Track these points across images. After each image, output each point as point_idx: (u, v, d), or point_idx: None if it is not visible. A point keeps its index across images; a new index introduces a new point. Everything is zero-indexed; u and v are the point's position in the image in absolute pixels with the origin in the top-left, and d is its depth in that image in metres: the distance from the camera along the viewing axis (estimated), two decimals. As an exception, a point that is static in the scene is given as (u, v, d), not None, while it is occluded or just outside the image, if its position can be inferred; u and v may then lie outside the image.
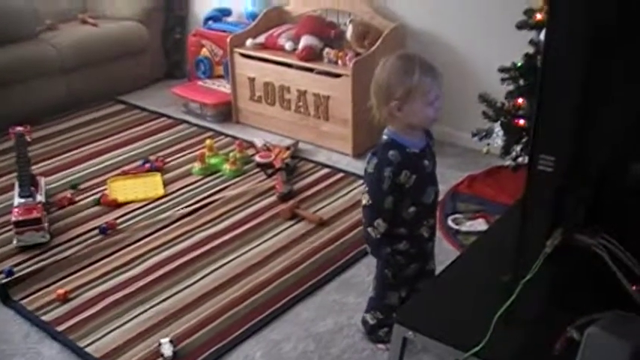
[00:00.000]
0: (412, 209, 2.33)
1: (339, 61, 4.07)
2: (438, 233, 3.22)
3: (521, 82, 3.29)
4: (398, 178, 2.25)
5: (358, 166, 3.90)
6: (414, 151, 2.28)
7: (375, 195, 2.27)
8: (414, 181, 2.27)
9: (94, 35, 4.98)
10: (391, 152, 2.25)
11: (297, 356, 2.57)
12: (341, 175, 3.83)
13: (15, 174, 3.53)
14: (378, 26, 4.14)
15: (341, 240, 3.22)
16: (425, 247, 2.46)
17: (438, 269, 2.22)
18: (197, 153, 4.03)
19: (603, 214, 1.61)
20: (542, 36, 3.08)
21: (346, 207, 3.50)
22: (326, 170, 3.89)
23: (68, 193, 3.72)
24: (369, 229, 2.32)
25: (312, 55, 4.18)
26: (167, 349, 2.56)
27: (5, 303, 2.92)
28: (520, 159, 3.34)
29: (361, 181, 3.71)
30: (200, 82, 4.94)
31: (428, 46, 4.09)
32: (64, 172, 3.99)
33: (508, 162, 3.43)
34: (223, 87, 4.76)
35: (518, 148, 3.34)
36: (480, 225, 3.28)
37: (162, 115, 4.77)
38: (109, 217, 3.47)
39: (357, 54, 4.03)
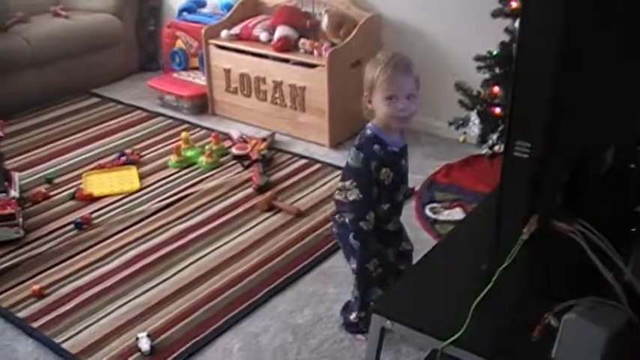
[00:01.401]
0: (387, 206, 2.36)
1: (315, 52, 4.05)
2: (416, 223, 3.25)
3: (497, 70, 3.30)
4: (379, 174, 2.28)
5: (335, 157, 3.90)
6: (394, 150, 2.30)
7: (365, 188, 2.28)
8: (391, 180, 2.30)
9: (66, 28, 4.91)
10: (375, 147, 2.27)
11: (276, 348, 2.56)
12: (318, 165, 3.82)
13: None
14: (353, 16, 4.12)
15: (319, 231, 3.21)
16: (391, 239, 2.49)
17: (416, 259, 2.21)
18: (173, 146, 4.00)
19: (580, 201, 1.61)
20: (517, 24, 3.08)
21: (324, 197, 3.48)
22: (303, 161, 3.88)
23: (42, 188, 3.67)
24: (362, 223, 2.33)
25: (288, 45, 4.16)
26: (144, 344, 2.54)
27: (-19, 302, 2.89)
28: (496, 147, 3.35)
29: (339, 172, 3.70)
30: (175, 74, 4.90)
31: (404, 36, 4.09)
32: (38, 167, 3.94)
33: (485, 150, 3.44)
34: (199, 79, 4.73)
35: (494, 136, 3.35)
36: (458, 214, 3.29)
37: (138, 107, 4.73)
38: (85, 212, 3.44)
39: (333, 44, 4.01)
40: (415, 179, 3.61)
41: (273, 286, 2.86)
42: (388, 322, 1.71)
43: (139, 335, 2.59)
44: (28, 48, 4.64)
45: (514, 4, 3.13)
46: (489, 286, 1.58)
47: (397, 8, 4.09)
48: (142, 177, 3.77)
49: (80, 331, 2.67)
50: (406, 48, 4.08)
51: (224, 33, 4.43)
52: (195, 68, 4.86)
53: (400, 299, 1.80)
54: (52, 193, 3.64)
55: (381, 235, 2.40)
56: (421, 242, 3.08)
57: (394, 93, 2.24)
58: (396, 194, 2.38)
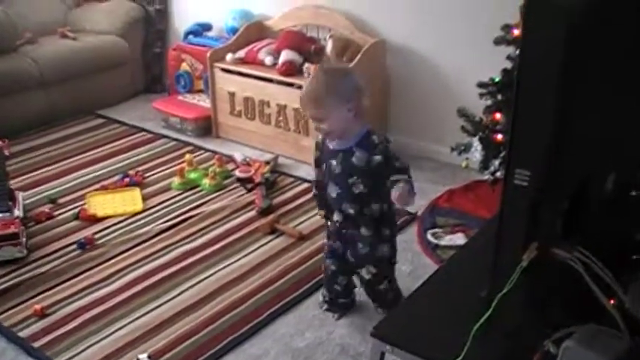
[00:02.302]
0: (330, 195, 2.62)
1: (319, 76, 4.08)
2: (417, 248, 3.25)
3: (499, 97, 3.32)
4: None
5: (338, 181, 3.91)
6: (328, 146, 2.55)
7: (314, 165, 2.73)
8: (324, 174, 2.60)
9: (73, 49, 4.96)
10: (320, 137, 2.62)
11: (276, 372, 2.57)
12: (321, 189, 3.83)
13: (-7, 188, 3.50)
14: (358, 41, 4.16)
15: (321, 254, 3.20)
16: (336, 235, 2.71)
17: (417, 284, 2.22)
18: (176, 167, 4.03)
19: (580, 228, 1.63)
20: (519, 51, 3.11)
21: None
22: (306, 185, 3.89)
23: (46, 208, 3.69)
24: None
25: (292, 69, 4.19)
26: (145, 365, 2.55)
27: (-19, 320, 2.89)
28: (498, 173, 3.36)
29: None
30: (180, 97, 4.93)
31: (407, 62, 4.13)
32: (42, 187, 3.96)
33: (487, 176, 3.45)
34: (203, 101, 4.76)
35: (496, 162, 3.36)
36: (459, 239, 3.29)
37: (142, 129, 4.76)
38: (88, 232, 3.45)
39: (337, 69, 4.04)
40: (417, 204, 3.62)
41: (274, 309, 2.87)
42: (388, 346, 1.72)
43: (140, 356, 2.59)
44: (35, 68, 4.68)
45: (516, 32, 3.16)
46: (489, 312, 1.59)
47: (401, 34, 4.13)
48: (145, 198, 3.78)
49: (81, 352, 2.67)
50: (410, 73, 4.14)
51: (229, 56, 4.47)
52: (200, 91, 4.90)
53: (400, 324, 1.81)
54: (55, 213, 3.66)
55: (329, 223, 2.73)
56: (422, 267, 3.10)
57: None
58: (328, 189, 2.59)
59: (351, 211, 2.56)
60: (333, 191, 2.57)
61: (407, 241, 3.33)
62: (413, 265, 3.14)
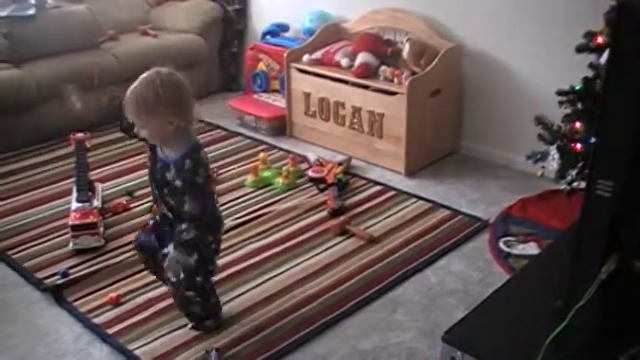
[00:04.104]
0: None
1: (395, 79, 4.08)
2: (489, 255, 3.22)
3: (579, 105, 3.25)
4: None
5: (410, 185, 3.91)
6: (158, 160, 2.56)
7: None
8: (153, 187, 2.66)
9: (153, 46, 5.08)
10: (148, 153, 2.64)
11: (341, 372, 2.58)
12: (393, 193, 3.83)
13: (73, 179, 3.61)
14: (435, 45, 4.14)
15: (390, 258, 3.21)
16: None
17: (488, 291, 2.19)
18: (250, 165, 4.08)
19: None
20: (602, 59, 3.04)
21: (397, 225, 3.49)
22: (378, 188, 3.89)
23: (123, 200, 3.79)
24: None
25: (368, 72, 4.20)
26: (214, 358, 2.58)
27: (59, 304, 2.98)
28: (575, 184, 3.29)
29: (413, 200, 3.72)
30: (256, 96, 4.99)
31: (485, 67, 4.09)
32: (120, 179, 4.07)
33: (563, 186, 3.38)
34: (278, 101, 4.81)
35: (573, 172, 3.29)
36: (532, 249, 3.24)
37: (218, 126, 4.84)
38: (162, 225, 3.52)
39: (413, 73, 4.03)
40: (489, 212, 3.59)
41: (342, 310, 2.87)
42: (459, 352, 1.71)
43: (209, 349, 2.63)
44: (116, 64, 4.81)
45: (600, 40, 3.09)
46: (564, 324, 1.56)
47: (479, 39, 4.09)
48: (218, 194, 3.83)
49: (152, 341, 2.72)
50: (486, 79, 4.10)
51: (305, 57, 4.50)
52: (276, 91, 4.95)
53: (472, 331, 1.80)
54: (131, 206, 3.75)
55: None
56: (493, 275, 3.07)
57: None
58: (159, 204, 2.63)
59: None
60: (162, 208, 2.63)
61: (478, 248, 3.30)
62: (483, 273, 3.11)
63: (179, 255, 2.52)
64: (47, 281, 3.11)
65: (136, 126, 2.45)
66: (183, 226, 2.49)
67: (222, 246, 3.30)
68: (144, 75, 2.43)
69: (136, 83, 2.41)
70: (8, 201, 3.85)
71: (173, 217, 2.60)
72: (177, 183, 2.47)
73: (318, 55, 4.50)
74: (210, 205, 2.61)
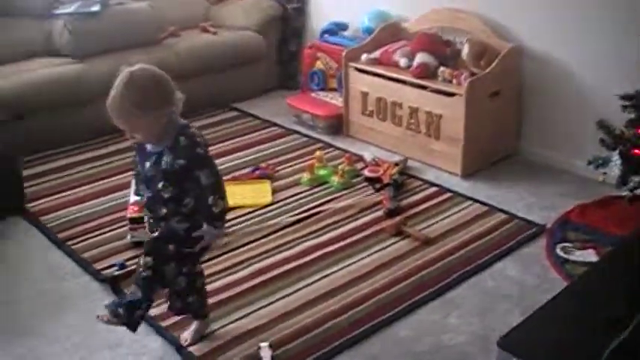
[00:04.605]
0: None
1: (454, 80, 4.04)
2: (545, 261, 3.17)
3: (644, 110, 3.18)
4: None
5: (467, 187, 3.87)
6: (144, 148, 2.46)
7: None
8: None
9: (212, 43, 5.13)
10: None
11: (393, 374, 2.57)
12: (449, 194, 3.80)
13: (132, 172, 3.66)
14: (495, 46, 4.09)
15: (446, 260, 3.19)
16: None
17: (544, 298, 2.15)
18: (306, 163, 4.09)
19: None
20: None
21: (452, 227, 3.46)
22: (434, 189, 3.86)
23: (180, 194, 3.83)
24: None
25: (427, 72, 4.17)
26: (266, 353, 2.60)
27: (116, 295, 3.03)
28: (638, 190, 3.22)
29: (469, 202, 3.68)
30: (313, 94, 5.01)
31: (545, 69, 4.02)
32: (177, 174, 4.11)
33: (624, 192, 3.31)
34: (335, 100, 4.81)
35: (636, 178, 3.22)
36: (590, 256, 3.18)
37: (274, 124, 4.87)
38: (218, 220, 3.56)
39: (473, 74, 3.99)
40: (547, 217, 3.53)
41: (395, 311, 2.86)
42: (514, 358, 1.68)
43: (261, 345, 2.65)
44: (176, 61, 4.88)
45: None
46: (626, 334, 1.53)
47: (541, 40, 4.02)
48: (274, 191, 3.87)
49: (205, 335, 2.75)
50: (547, 80, 4.04)
51: (364, 56, 4.50)
52: (333, 89, 4.95)
53: (528, 337, 1.77)
54: (188, 200, 3.79)
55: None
56: (550, 281, 3.02)
57: None
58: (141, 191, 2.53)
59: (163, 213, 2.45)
60: (146, 193, 2.49)
61: (534, 253, 3.25)
62: (539, 279, 3.06)
63: (212, 229, 2.42)
64: (105, 272, 3.18)
65: (126, 132, 2.34)
66: (210, 198, 2.36)
67: (278, 243, 3.36)
68: (119, 79, 2.31)
69: (114, 90, 2.29)
70: (69, 192, 3.94)
71: (165, 216, 2.45)
72: (179, 163, 2.33)
73: (376, 54, 4.49)
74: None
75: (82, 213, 3.71)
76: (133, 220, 3.35)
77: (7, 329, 2.85)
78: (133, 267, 3.17)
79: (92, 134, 4.59)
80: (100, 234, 3.50)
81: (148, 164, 2.41)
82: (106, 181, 4.07)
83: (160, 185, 2.38)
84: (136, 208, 3.37)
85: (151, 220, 2.55)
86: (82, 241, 3.44)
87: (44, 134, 4.40)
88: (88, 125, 4.55)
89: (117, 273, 3.15)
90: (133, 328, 2.49)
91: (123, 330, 2.79)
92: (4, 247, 3.42)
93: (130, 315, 2.46)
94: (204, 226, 2.42)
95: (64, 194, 3.91)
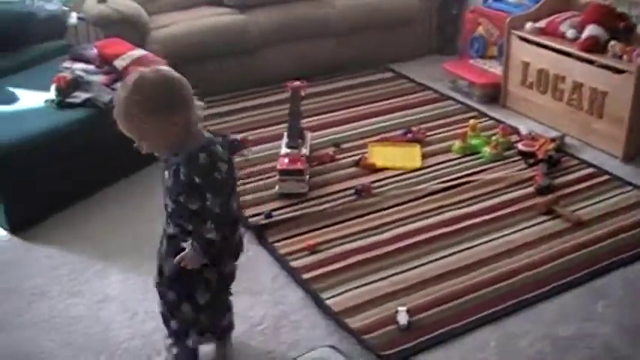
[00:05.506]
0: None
1: (625, 57, 3.80)
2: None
3: None
4: None
5: (626, 171, 3.67)
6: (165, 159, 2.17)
7: None
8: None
9: (371, 1, 5.07)
10: None
11: (532, 355, 2.49)
12: (606, 177, 3.60)
13: (286, 124, 3.72)
14: (676, 24, 3.81)
15: (597, 245, 3.04)
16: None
17: None
18: (459, 131, 4.01)
19: None
20: None
21: (607, 212, 3.28)
22: (590, 170, 3.68)
23: (330, 151, 3.87)
24: None
25: (596, 46, 3.94)
26: (403, 318, 2.60)
27: (261, 243, 3.12)
28: None
29: (629, 188, 3.49)
30: (471, 61, 4.87)
31: None
32: (328, 130, 4.15)
33: None
34: (494, 68, 4.66)
35: None
36: None
37: (429, 88, 4.78)
38: (365, 180, 3.56)
39: (648, 51, 3.74)
40: None
41: (540, 291, 2.77)
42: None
43: (399, 309, 2.65)
44: (336, 16, 4.88)
45: None
46: None
47: None
48: (424, 156, 3.82)
49: (344, 292, 2.78)
50: None
51: (528, 25, 4.31)
52: (493, 57, 4.80)
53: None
54: (338, 157, 3.82)
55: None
56: None
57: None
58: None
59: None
60: (165, 201, 2.21)
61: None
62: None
63: (193, 252, 2.13)
64: (251, 220, 3.26)
65: (135, 141, 2.07)
66: (208, 224, 2.10)
67: (423, 209, 3.32)
68: (128, 81, 2.06)
69: (121, 92, 2.04)
70: (224, 139, 4.05)
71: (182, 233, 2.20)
72: (196, 181, 2.06)
73: (542, 23, 4.29)
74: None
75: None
76: (282, 172, 3.42)
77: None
78: (278, 218, 3.25)
79: (251, 84, 4.70)
80: (250, 182, 3.59)
81: (167, 173, 2.15)
82: (260, 130, 4.16)
83: (181, 198, 2.13)
84: (286, 161, 3.43)
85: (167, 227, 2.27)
86: (232, 187, 3.55)
87: (207, 81, 4.51)
88: (247, 75, 4.68)
89: (263, 222, 3.22)
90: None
91: (265, 278, 2.89)
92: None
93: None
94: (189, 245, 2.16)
95: (216, 140, 4.01)
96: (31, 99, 3.52)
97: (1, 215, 3.25)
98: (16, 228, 3.26)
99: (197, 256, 2.13)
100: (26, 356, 2.54)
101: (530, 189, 3.48)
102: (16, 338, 2.62)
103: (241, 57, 4.66)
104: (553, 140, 3.85)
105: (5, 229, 3.26)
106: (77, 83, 3.52)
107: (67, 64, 3.73)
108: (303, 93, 3.83)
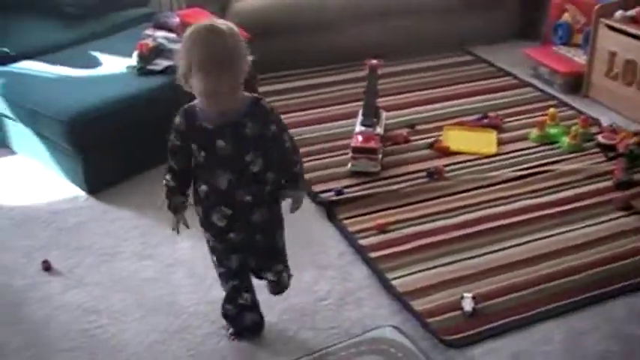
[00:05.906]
0: (203, 187, 2.17)
1: None
2: None
3: None
4: (190, 148, 2.13)
5: None
6: (207, 127, 2.08)
7: (169, 153, 2.19)
8: (203, 159, 2.12)
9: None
10: (177, 119, 2.13)
11: (598, 353, 2.43)
12: (692, 176, 3.49)
13: (362, 102, 3.71)
14: None
15: (678, 248, 2.95)
16: (225, 238, 2.26)
17: None
18: (537, 119, 3.93)
19: None
20: None
21: (691, 213, 3.18)
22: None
23: (404, 132, 3.84)
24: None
25: (691, 39, 3.80)
26: (468, 304, 2.58)
27: (330, 219, 3.14)
28: None
29: None
30: (554, 48, 4.75)
31: None
32: (403, 111, 4.12)
33: None
34: (578, 57, 4.54)
35: None
36: None
37: (509, 73, 4.69)
38: (439, 163, 3.53)
39: None
40: None
41: (610, 288, 2.70)
42: None
43: (465, 295, 2.62)
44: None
45: None
46: None
47: None
48: (500, 143, 3.76)
49: (410, 274, 2.78)
50: None
51: (619, 13, 4.17)
52: (577, 45, 4.67)
53: None
54: (412, 138, 3.80)
55: (209, 229, 2.27)
56: None
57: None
58: (211, 178, 2.13)
59: (248, 198, 2.17)
60: (222, 182, 2.13)
61: None
62: None
63: (300, 191, 2.32)
64: (322, 195, 3.28)
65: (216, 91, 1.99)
66: (294, 158, 2.24)
67: (497, 195, 3.28)
68: (225, 29, 2.00)
69: (227, 38, 1.98)
70: (296, 114, 4.07)
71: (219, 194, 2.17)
72: (272, 128, 2.12)
73: (633, 12, 4.14)
74: None
75: (306, 136, 3.81)
76: (356, 150, 3.42)
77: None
78: (349, 195, 3.25)
79: (328, 60, 4.70)
80: (322, 158, 3.61)
81: (221, 142, 2.08)
82: (334, 107, 4.17)
83: (247, 158, 2.11)
84: (360, 139, 3.43)
85: (226, 210, 2.20)
86: (305, 162, 3.50)
87: (284, 55, 4.56)
88: (325, 51, 4.68)
89: (334, 198, 3.24)
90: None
91: (332, 254, 2.90)
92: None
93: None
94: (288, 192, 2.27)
95: (291, 115, 3.99)
96: (113, 64, 3.61)
97: (80, 177, 3.36)
98: (93, 190, 3.37)
99: (303, 192, 2.36)
100: (99, 312, 2.63)
101: (608, 183, 3.39)
102: (89, 295, 2.72)
103: (319, 33, 4.64)
104: (635, 134, 3.73)
105: (84, 189, 3.37)
106: (159, 51, 3.59)
107: (149, 31, 3.80)
108: (380, 72, 3.81)
